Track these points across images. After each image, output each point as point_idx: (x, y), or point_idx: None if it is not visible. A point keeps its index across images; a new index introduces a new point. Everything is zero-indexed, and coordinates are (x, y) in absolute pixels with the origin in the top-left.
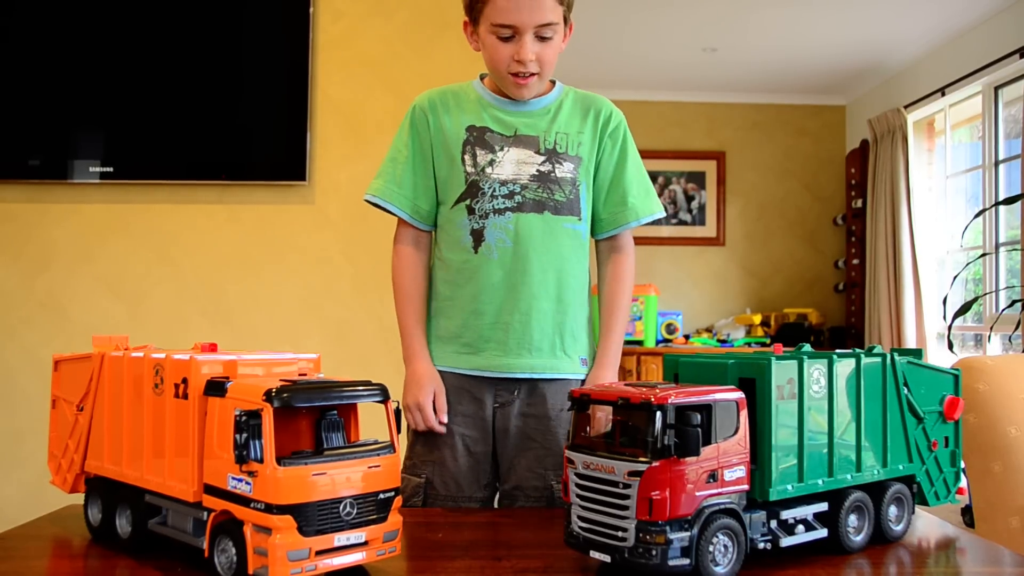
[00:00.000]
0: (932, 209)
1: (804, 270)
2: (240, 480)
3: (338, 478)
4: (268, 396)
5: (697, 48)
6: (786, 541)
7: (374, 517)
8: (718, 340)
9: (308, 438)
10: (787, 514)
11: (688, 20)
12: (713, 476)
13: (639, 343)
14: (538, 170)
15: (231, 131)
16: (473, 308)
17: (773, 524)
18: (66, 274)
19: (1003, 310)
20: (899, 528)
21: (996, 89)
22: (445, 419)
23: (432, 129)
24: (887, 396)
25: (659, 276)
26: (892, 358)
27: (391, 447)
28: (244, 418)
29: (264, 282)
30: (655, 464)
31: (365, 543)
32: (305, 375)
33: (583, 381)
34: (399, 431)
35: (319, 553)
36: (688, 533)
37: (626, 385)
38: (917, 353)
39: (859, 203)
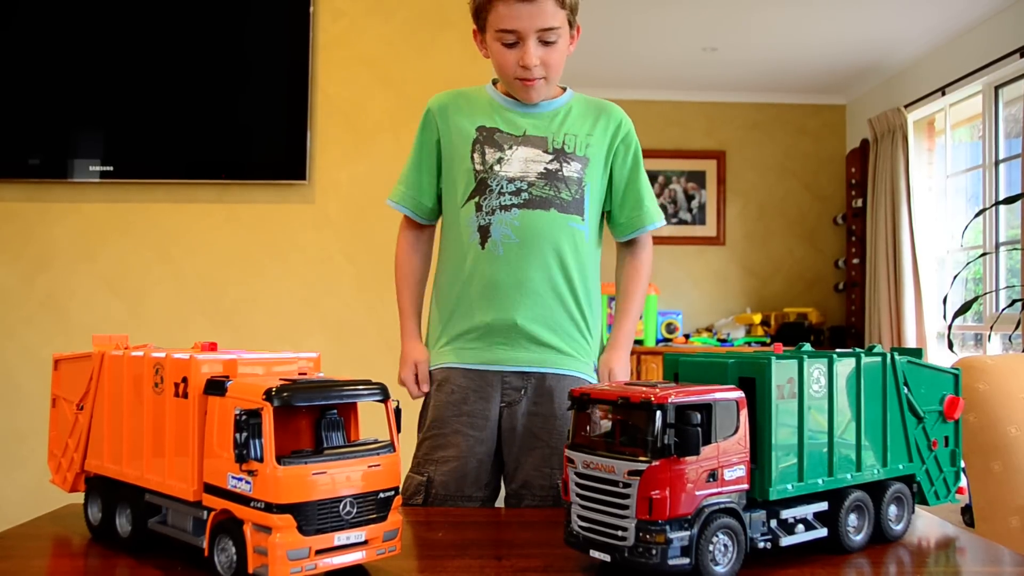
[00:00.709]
0: (932, 209)
1: (804, 269)
2: (240, 479)
3: (338, 477)
4: (268, 395)
5: (697, 47)
6: (786, 540)
7: (374, 516)
8: (718, 339)
9: (308, 437)
10: (787, 513)
11: (688, 20)
12: (713, 475)
13: (639, 342)
14: (545, 168)
15: (231, 130)
16: (480, 304)
17: (773, 523)
18: (66, 273)
19: (1003, 310)
20: (899, 528)
21: (996, 88)
22: (426, 388)
23: (442, 129)
24: (887, 395)
25: (659, 275)
26: (892, 357)
27: (391, 446)
28: (244, 417)
29: (264, 281)
30: (655, 463)
31: (365, 542)
32: (305, 374)
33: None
34: (399, 430)
35: (319, 552)
36: (688, 532)
37: (626, 384)
38: (917, 352)
39: (859, 202)
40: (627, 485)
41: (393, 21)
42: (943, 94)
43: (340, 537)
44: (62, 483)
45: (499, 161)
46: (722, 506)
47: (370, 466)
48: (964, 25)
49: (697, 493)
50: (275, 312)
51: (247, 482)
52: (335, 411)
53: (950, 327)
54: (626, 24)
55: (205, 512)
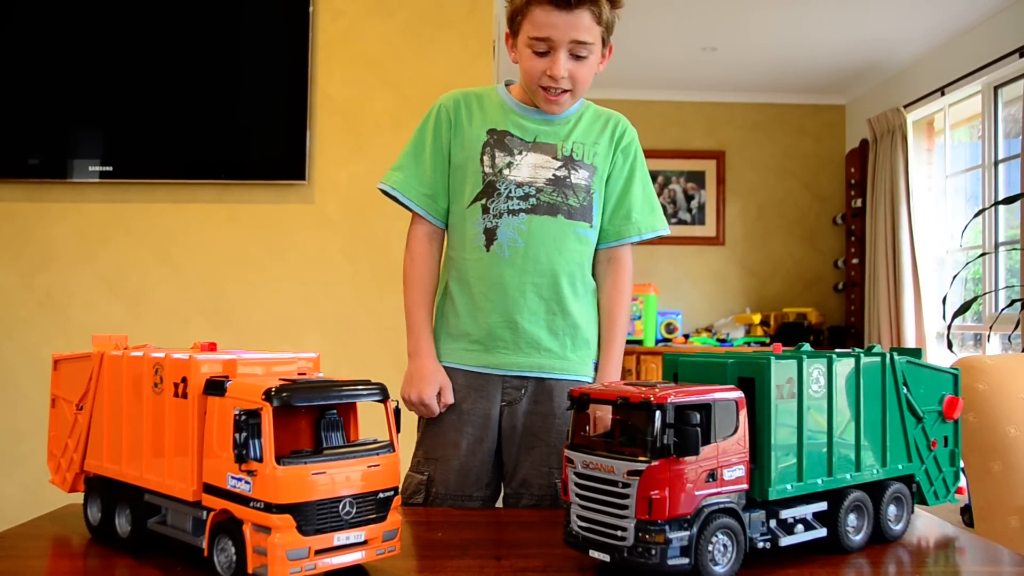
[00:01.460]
0: (932, 209)
1: (803, 269)
2: (239, 479)
3: (337, 477)
4: (267, 395)
5: (697, 47)
6: (785, 540)
7: (373, 516)
8: (717, 339)
9: (307, 437)
10: (786, 513)
11: (688, 20)
12: (712, 475)
13: (639, 342)
14: (554, 175)
15: (231, 130)
16: (483, 306)
17: (772, 523)
18: (65, 273)
19: (1002, 310)
20: (898, 528)
21: (996, 89)
22: (443, 409)
23: (453, 128)
24: (886, 396)
25: (658, 275)
26: (891, 357)
27: (390, 446)
28: (243, 417)
29: (264, 281)
30: (654, 463)
31: (364, 542)
32: (304, 374)
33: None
34: (398, 430)
35: (318, 552)
36: (687, 532)
37: (625, 384)
38: (916, 352)
39: (859, 203)
40: (626, 485)
41: (393, 21)
42: (942, 94)
43: (340, 537)
44: (61, 483)
45: (508, 165)
46: (721, 506)
47: (369, 466)
48: (963, 25)
49: (696, 493)
50: (274, 312)
51: (246, 482)
52: (334, 411)
53: (949, 327)
54: (626, 24)
55: (204, 512)
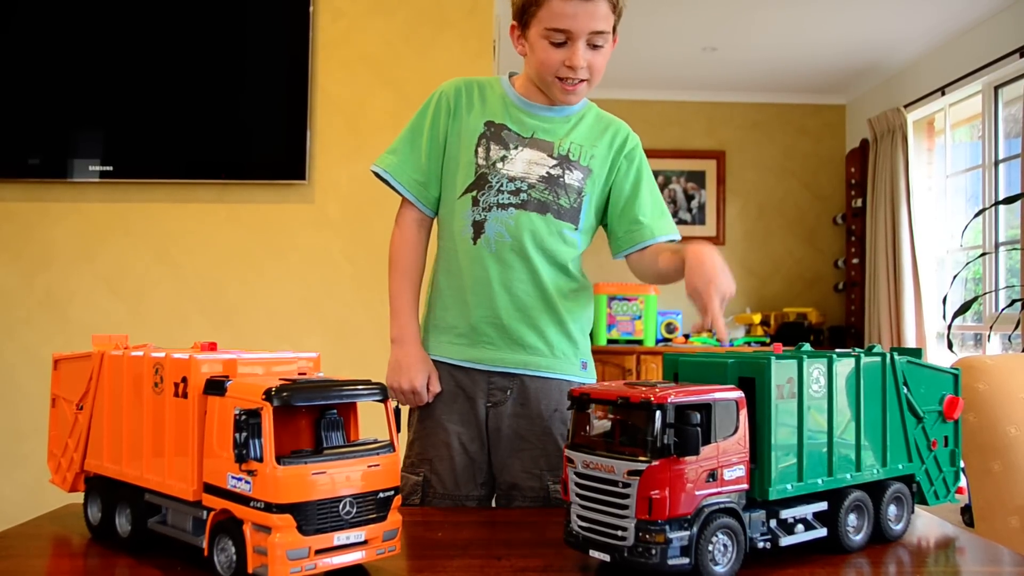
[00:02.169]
0: (932, 208)
1: (804, 269)
2: (240, 479)
3: (337, 477)
4: (268, 395)
5: (697, 47)
6: (785, 540)
7: (373, 516)
8: (718, 339)
9: (308, 437)
10: (786, 513)
11: (688, 19)
12: (713, 475)
13: (639, 342)
14: (548, 172)
15: (231, 130)
16: (468, 300)
17: (773, 523)
18: (66, 273)
19: (1003, 309)
20: (898, 527)
21: (996, 88)
22: (431, 399)
23: (452, 116)
24: (887, 395)
25: None
26: (892, 357)
27: (390, 446)
28: (244, 417)
29: (264, 281)
30: (655, 463)
31: (365, 542)
32: (305, 374)
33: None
34: (398, 430)
35: (318, 552)
36: (688, 532)
37: (626, 384)
38: (917, 352)
39: (859, 202)
40: (627, 485)
41: (393, 21)
42: (943, 94)
43: (340, 537)
44: (62, 483)
45: (503, 159)
46: (722, 506)
47: (370, 466)
48: (964, 25)
49: (697, 493)
50: (275, 312)
51: (247, 482)
52: (335, 411)
53: (949, 327)
54: (626, 24)
55: (205, 512)
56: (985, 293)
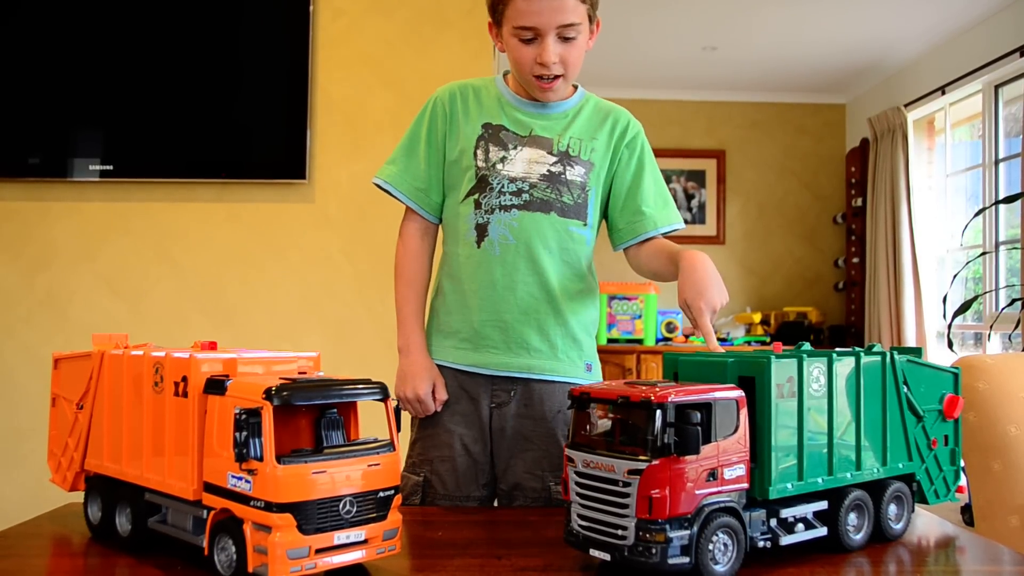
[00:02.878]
0: (932, 208)
1: (804, 269)
2: (240, 478)
3: (338, 476)
4: (268, 394)
5: (697, 46)
6: (786, 539)
7: (374, 515)
8: (718, 339)
9: (308, 436)
10: (787, 512)
11: (688, 18)
12: (713, 474)
13: (639, 342)
14: (549, 170)
15: (231, 129)
16: (472, 304)
17: (773, 522)
18: (66, 272)
19: (1003, 309)
20: (899, 527)
21: (996, 88)
22: (440, 408)
23: (448, 122)
24: (887, 395)
25: None
26: (892, 357)
27: (391, 445)
28: (244, 416)
29: (264, 280)
30: (655, 462)
31: (365, 541)
32: (305, 373)
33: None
34: (399, 429)
35: (319, 551)
36: (688, 531)
37: (626, 384)
38: (917, 352)
39: (859, 202)
40: (627, 484)
41: (393, 20)
42: (943, 93)
43: (340, 536)
44: (62, 482)
45: (502, 160)
46: (722, 505)
47: (370, 465)
48: (964, 24)
49: (697, 492)
50: (275, 311)
51: (247, 481)
52: (335, 410)
53: (950, 326)
54: (626, 23)
55: (205, 511)
56: (985, 292)
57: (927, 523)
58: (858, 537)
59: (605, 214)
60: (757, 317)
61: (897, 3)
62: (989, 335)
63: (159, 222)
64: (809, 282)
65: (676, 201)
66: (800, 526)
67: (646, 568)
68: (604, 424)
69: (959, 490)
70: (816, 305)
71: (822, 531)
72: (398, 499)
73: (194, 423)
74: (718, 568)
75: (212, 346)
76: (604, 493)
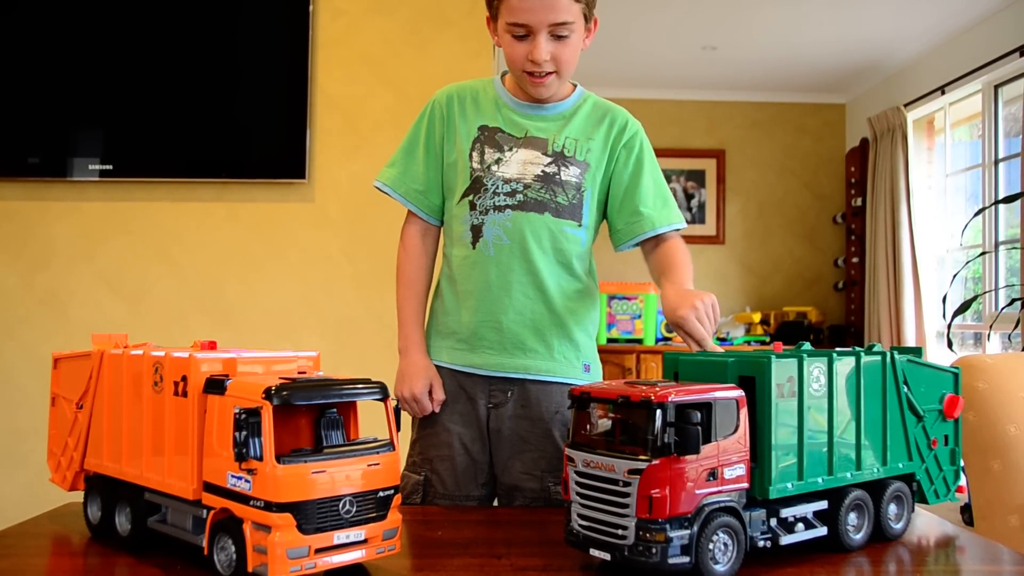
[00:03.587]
0: (932, 207)
1: (804, 268)
2: (239, 478)
3: (337, 476)
4: (268, 394)
5: (697, 46)
6: (786, 539)
7: (373, 515)
8: (718, 338)
9: (307, 436)
10: (787, 512)
11: (688, 18)
12: (713, 474)
13: (639, 341)
14: (543, 171)
15: (231, 129)
16: (468, 304)
17: (773, 522)
18: (65, 272)
19: (1002, 308)
20: (899, 526)
21: (996, 87)
22: (439, 408)
23: (446, 125)
24: (887, 394)
25: None
26: (892, 356)
27: (390, 445)
28: (244, 416)
29: (264, 280)
30: (655, 462)
31: (364, 541)
32: (304, 373)
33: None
34: (398, 429)
35: (318, 551)
36: (688, 531)
37: (626, 383)
38: (917, 351)
39: (859, 201)
40: (627, 484)
41: (393, 19)
42: (943, 93)
43: (339, 536)
44: (61, 482)
45: (497, 161)
46: (722, 505)
47: (369, 465)
48: (964, 24)
49: (697, 492)
50: (274, 311)
51: (247, 481)
52: (334, 410)
53: (949, 326)
54: (626, 23)
55: (205, 511)
56: (985, 292)
57: (927, 523)
58: (858, 537)
59: (605, 216)
60: (757, 317)
61: (897, 3)
62: (989, 335)
63: (159, 222)
64: (809, 282)
65: (676, 201)
66: (800, 526)
67: (646, 568)
68: (604, 424)
69: (959, 490)
70: (816, 305)
71: (822, 531)
72: (398, 499)
73: (194, 423)
74: (718, 568)
75: (212, 346)
76: (604, 493)
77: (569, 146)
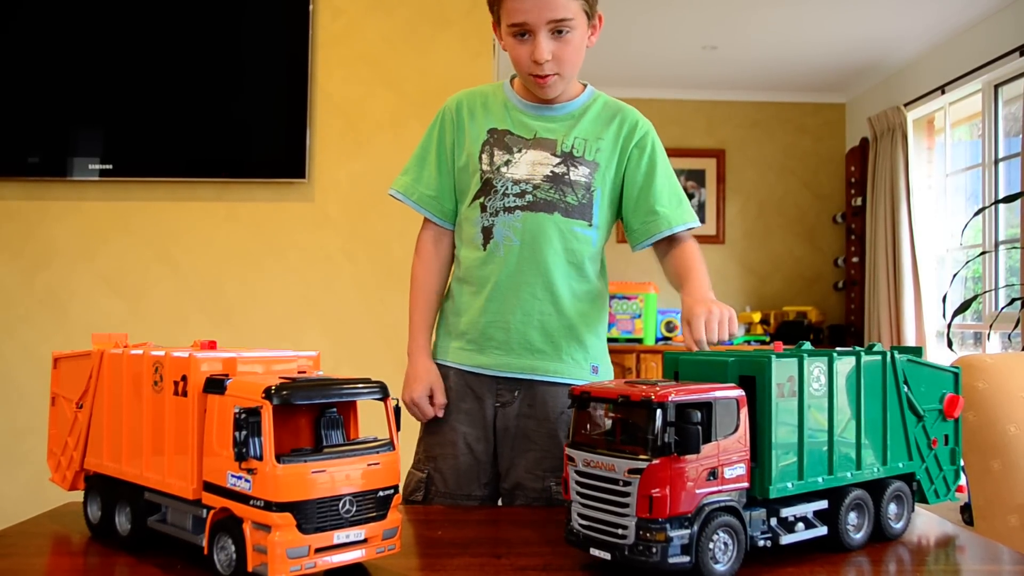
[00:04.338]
0: (932, 207)
1: (804, 268)
2: (239, 477)
3: (337, 476)
4: (267, 393)
5: (697, 46)
6: (786, 539)
7: (373, 515)
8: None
9: (307, 435)
10: (787, 512)
11: (688, 18)
12: (713, 474)
13: (639, 341)
14: (552, 171)
15: (231, 129)
16: (477, 305)
17: (773, 522)
18: (66, 272)
19: (1002, 308)
20: (899, 526)
21: (996, 87)
22: (441, 413)
23: (456, 130)
24: (887, 394)
25: (658, 274)
26: (892, 356)
27: (390, 445)
28: (243, 415)
29: (264, 280)
30: (655, 462)
31: (364, 541)
32: (304, 372)
33: None
34: (398, 428)
35: (318, 551)
36: (688, 531)
37: (626, 383)
38: (917, 351)
39: (859, 201)
40: (627, 483)
41: (393, 19)
42: (943, 92)
43: (339, 535)
44: (61, 481)
45: (507, 163)
46: (722, 504)
47: (369, 464)
48: (964, 23)
49: (697, 491)
50: (274, 310)
51: (246, 480)
52: (335, 409)
53: (949, 326)
54: (626, 22)
55: (204, 510)
56: (985, 292)
57: (927, 522)
58: (858, 536)
59: (620, 215)
60: (757, 316)
61: (897, 3)
62: (989, 334)
63: (159, 221)
64: (809, 281)
65: None
66: (800, 525)
67: (646, 567)
68: (605, 423)
69: (959, 489)
70: (816, 304)
71: (822, 530)
72: (398, 498)
73: (194, 422)
74: (718, 567)
75: (212, 345)
76: (605, 492)
77: (578, 146)
